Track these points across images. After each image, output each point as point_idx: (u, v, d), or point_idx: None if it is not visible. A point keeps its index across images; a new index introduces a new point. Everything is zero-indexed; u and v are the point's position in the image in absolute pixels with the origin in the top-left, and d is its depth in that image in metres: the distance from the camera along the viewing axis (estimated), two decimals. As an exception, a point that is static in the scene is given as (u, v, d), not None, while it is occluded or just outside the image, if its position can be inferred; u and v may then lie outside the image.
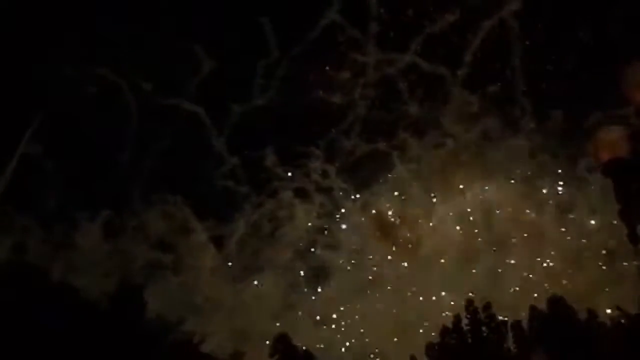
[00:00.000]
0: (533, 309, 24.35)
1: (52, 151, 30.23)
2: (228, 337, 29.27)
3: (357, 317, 32.01)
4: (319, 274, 34.33)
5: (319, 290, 33.54)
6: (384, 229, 34.50)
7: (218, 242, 33.22)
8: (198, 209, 32.98)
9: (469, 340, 23.93)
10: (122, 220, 31.16)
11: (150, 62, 32.64)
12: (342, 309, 32.84)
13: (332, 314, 32.53)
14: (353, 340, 30.83)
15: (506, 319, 24.77)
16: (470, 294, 26.72)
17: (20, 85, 28.65)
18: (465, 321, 24.77)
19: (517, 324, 24.49)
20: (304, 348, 25.92)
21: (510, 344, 24.29)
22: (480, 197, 33.30)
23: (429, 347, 24.48)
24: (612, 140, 10.32)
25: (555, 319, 23.27)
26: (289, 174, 35.21)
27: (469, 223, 33.26)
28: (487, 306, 24.82)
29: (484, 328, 24.20)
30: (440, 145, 35.37)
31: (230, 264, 33.28)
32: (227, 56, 33.52)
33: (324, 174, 35.68)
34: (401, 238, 34.14)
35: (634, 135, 10.27)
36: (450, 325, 24.75)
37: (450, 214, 33.97)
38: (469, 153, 34.16)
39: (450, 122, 35.00)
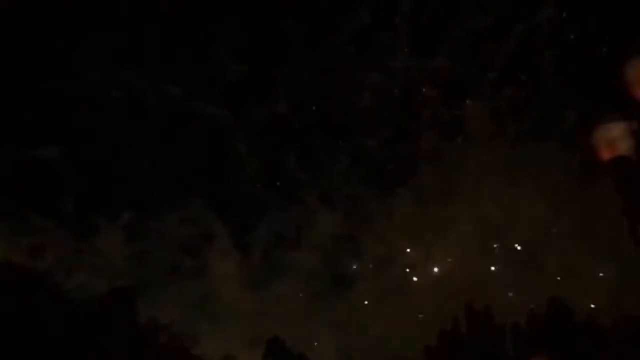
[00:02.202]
0: (533, 311, 23.80)
1: (73, 154, 30.73)
2: (246, 344, 29.22)
3: (381, 324, 31.70)
4: (342, 281, 34.10)
5: (342, 297, 33.33)
6: (410, 234, 34.16)
7: (240, 247, 33.27)
8: (221, 213, 33.09)
9: (469, 343, 23.51)
10: (143, 224, 31.41)
11: (174, 66, 33.01)
12: (365, 316, 32.60)
13: (354, 321, 32.30)
14: (374, 348, 30.50)
15: (507, 320, 24.27)
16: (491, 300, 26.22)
17: (44, 88, 29.27)
18: (464, 323, 24.38)
19: (517, 326, 23.96)
20: (298, 351, 25.68)
21: (510, 345, 23.79)
22: (508, 201, 32.72)
23: (428, 349, 24.09)
24: (612, 138, 9.91)
25: (558, 320, 22.73)
26: (313, 179, 35.14)
27: (496, 228, 32.68)
28: (487, 307, 24.39)
29: (483, 330, 23.75)
30: (468, 149, 34.95)
31: (252, 269, 33.29)
32: (251, 60, 33.64)
33: (349, 179, 35.45)
34: (426, 244, 33.77)
35: (635, 133, 9.84)
36: (449, 328, 24.38)
37: (477, 219, 33.46)
38: (496, 157, 33.64)
39: (479, 126, 34.54)
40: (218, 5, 33.31)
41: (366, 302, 32.86)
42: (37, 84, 29.49)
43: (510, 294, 30.26)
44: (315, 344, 28.98)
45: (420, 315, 31.13)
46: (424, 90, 35.63)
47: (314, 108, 36.40)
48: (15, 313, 19.12)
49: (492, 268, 32.13)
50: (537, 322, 23.59)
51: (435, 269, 33.18)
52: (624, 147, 10.02)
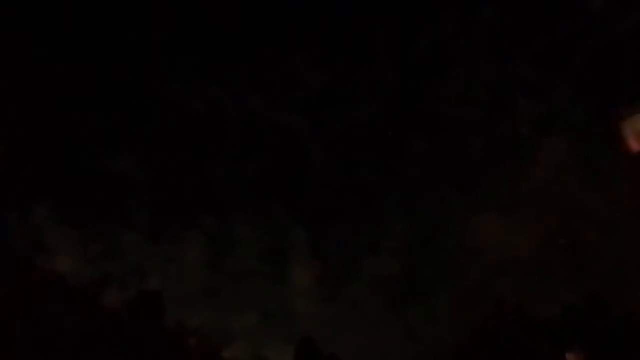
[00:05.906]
0: (568, 307, 22.57)
1: (154, 163, 32.44)
2: (323, 349, 29.44)
3: (451, 334, 31.03)
4: (417, 289, 33.87)
5: (418, 304, 33.08)
6: (486, 243, 33.38)
7: (317, 253, 33.83)
8: (299, 220, 33.78)
9: (503, 341, 22.63)
10: (221, 232, 32.51)
11: (253, 76, 34.13)
12: (441, 322, 32.11)
13: (430, 328, 31.92)
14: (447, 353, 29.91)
15: (539, 317, 23.19)
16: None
17: (127, 101, 31.04)
18: (495, 322, 23.51)
19: (551, 323, 22.83)
20: (375, 357, 25.62)
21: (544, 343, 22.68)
22: (571, 201, 31.30)
23: (459, 348, 23.37)
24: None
25: (593, 318, 21.49)
26: (390, 185, 35.25)
27: (559, 228, 31.31)
28: (520, 305, 23.41)
29: (516, 328, 22.81)
30: (550, 155, 33.90)
31: (329, 275, 33.68)
32: (329, 68, 34.28)
33: (426, 185, 35.24)
34: (503, 253, 32.84)
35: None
36: (482, 326, 23.59)
37: (559, 223, 32.24)
38: (568, 161, 32.39)
39: (555, 130, 33.48)
40: (297, 15, 34.36)
41: (443, 309, 32.39)
42: (120, 98, 31.57)
43: (555, 290, 28.61)
44: (390, 350, 28.96)
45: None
46: (503, 96, 35.05)
47: (392, 115, 36.68)
48: (91, 316, 20.52)
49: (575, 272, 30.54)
50: (575, 318, 22.55)
51: (511, 272, 32.06)
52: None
